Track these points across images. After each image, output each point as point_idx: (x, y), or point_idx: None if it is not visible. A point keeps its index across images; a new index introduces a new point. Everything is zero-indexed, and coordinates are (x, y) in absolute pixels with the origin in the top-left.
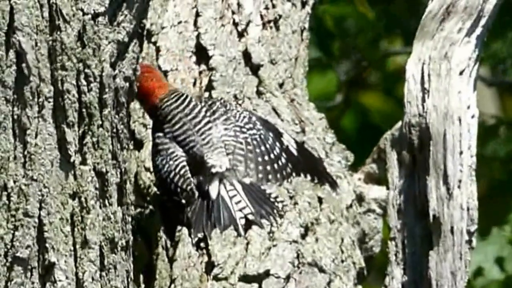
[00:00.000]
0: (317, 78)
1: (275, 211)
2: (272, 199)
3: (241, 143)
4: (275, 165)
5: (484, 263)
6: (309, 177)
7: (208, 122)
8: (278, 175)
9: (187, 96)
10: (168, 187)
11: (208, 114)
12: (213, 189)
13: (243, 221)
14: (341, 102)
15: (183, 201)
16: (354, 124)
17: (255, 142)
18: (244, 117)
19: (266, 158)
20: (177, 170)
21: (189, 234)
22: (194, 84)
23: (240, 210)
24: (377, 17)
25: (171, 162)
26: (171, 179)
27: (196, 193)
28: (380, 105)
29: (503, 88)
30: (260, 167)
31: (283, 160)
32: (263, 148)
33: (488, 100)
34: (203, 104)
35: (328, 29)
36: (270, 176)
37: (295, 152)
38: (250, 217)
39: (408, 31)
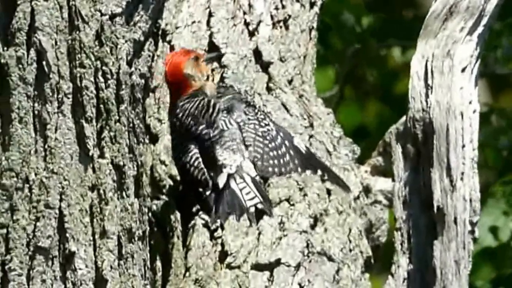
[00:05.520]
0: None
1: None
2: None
3: (259, 136)
4: (281, 160)
5: (479, 232)
6: (319, 172)
7: (221, 112)
8: (283, 169)
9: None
10: (188, 180)
11: (223, 106)
12: (224, 182)
13: (252, 209)
14: (336, 95)
15: (200, 189)
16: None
17: (268, 137)
18: (262, 113)
19: (274, 153)
20: (191, 162)
21: (207, 222)
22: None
23: (250, 199)
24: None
25: (186, 155)
26: (188, 171)
27: (210, 182)
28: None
29: (494, 79)
30: (270, 161)
31: (288, 158)
32: (273, 144)
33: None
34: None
35: (326, 22)
36: (270, 169)
37: (304, 152)
38: (260, 206)
39: (402, 36)
